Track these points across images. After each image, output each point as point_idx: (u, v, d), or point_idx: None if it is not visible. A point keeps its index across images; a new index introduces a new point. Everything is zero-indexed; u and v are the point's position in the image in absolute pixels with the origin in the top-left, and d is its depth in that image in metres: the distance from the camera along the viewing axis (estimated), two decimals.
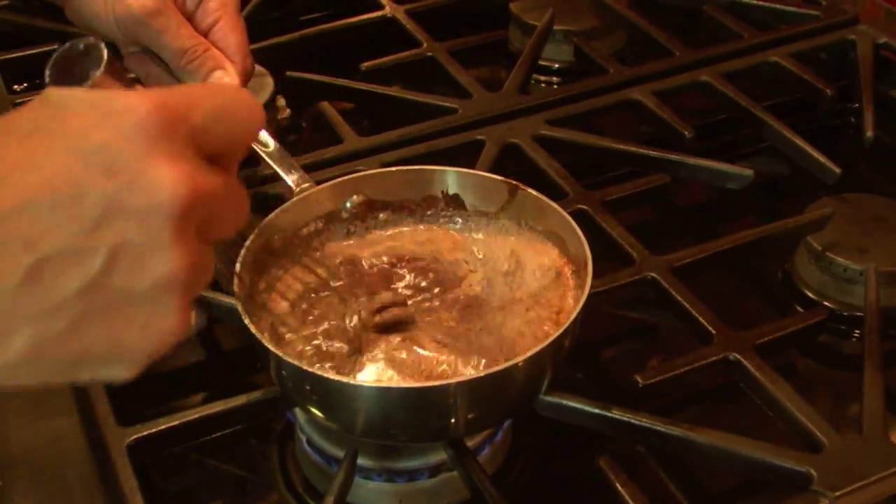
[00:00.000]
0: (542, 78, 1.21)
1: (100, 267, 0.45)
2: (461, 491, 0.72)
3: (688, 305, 0.80)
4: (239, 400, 0.73)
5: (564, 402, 0.72)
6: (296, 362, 0.65)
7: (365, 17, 1.23)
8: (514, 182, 0.79)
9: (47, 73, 0.52)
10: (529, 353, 0.65)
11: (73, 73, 0.51)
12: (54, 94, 0.47)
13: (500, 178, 0.80)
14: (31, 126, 0.46)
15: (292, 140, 1.07)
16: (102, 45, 0.51)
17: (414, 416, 0.66)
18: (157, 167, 0.45)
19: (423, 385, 0.65)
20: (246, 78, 0.83)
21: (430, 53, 1.16)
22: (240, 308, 0.67)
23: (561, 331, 0.66)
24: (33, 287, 0.44)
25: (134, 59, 0.87)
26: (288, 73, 1.09)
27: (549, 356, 0.67)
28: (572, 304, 0.72)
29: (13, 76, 1.17)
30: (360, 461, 0.71)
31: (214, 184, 0.48)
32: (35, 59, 1.17)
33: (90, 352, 0.47)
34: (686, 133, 1.00)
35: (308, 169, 0.82)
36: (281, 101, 1.07)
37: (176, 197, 0.45)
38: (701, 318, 0.79)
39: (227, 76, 0.79)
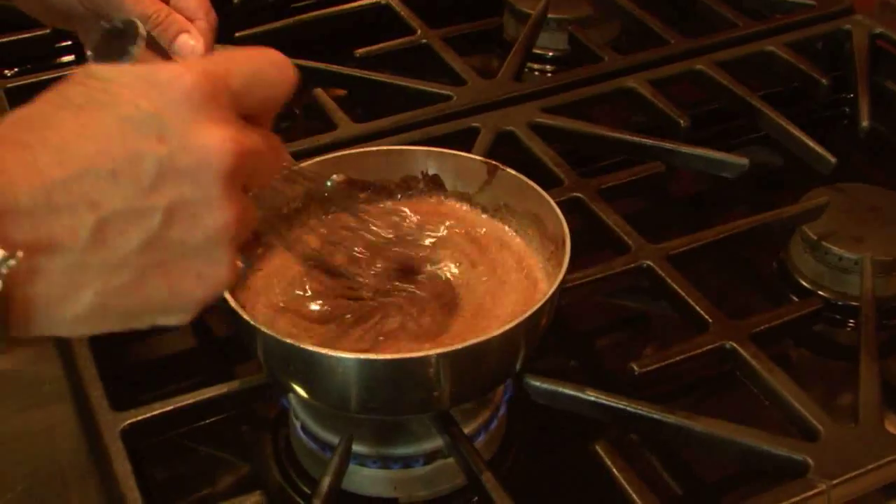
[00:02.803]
0: (536, 66, 1.21)
1: (158, 224, 0.49)
2: (457, 478, 0.72)
3: (683, 293, 0.80)
4: (232, 385, 0.73)
5: (560, 389, 0.72)
6: (276, 334, 0.64)
7: (359, 3, 1.23)
8: (493, 162, 0.78)
9: (89, 53, 0.55)
10: (505, 329, 0.64)
11: (113, 51, 0.53)
12: (101, 70, 0.51)
13: (479, 158, 0.80)
14: (83, 100, 0.49)
15: (285, 126, 1.06)
16: (139, 22, 0.53)
17: (395, 388, 0.65)
18: (204, 130, 0.49)
19: (404, 356, 0.64)
20: (212, 34, 0.82)
21: (424, 41, 1.15)
22: None
23: (536, 308, 0.65)
24: (98, 245, 0.48)
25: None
26: None
27: (523, 332, 0.66)
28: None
29: (4, 61, 1.16)
30: (356, 448, 0.71)
31: (255, 140, 0.52)
32: (25, 45, 1.17)
33: (150, 302, 0.51)
34: (681, 122, 1.00)
35: (302, 155, 0.81)
36: None
37: (223, 155, 0.50)
38: (696, 307, 0.79)
39: (193, 39, 0.79)
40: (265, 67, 0.55)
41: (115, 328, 0.52)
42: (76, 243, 0.47)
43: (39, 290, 0.47)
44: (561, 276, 0.68)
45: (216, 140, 0.50)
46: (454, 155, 0.80)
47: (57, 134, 0.48)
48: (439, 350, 0.64)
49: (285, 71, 0.55)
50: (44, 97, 0.50)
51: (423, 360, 0.64)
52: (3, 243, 0.46)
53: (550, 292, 0.67)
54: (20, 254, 0.46)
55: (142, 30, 0.53)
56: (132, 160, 0.48)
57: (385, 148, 0.82)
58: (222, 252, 0.51)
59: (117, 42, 0.54)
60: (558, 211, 0.73)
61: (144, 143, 0.48)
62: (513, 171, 0.77)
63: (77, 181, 0.47)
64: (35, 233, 0.46)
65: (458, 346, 0.63)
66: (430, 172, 0.80)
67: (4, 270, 0.46)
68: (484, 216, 0.79)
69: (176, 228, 0.49)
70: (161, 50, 0.53)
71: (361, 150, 0.82)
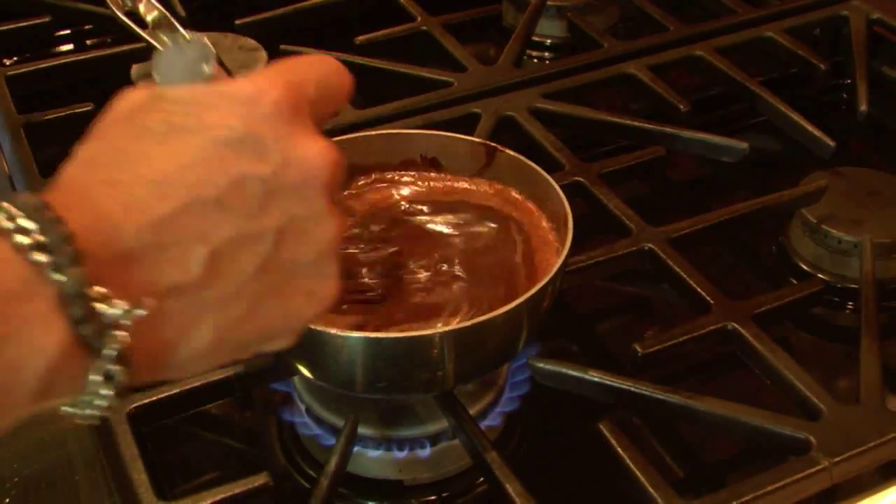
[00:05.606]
0: (535, 53, 1.21)
1: (270, 246, 0.47)
2: (462, 459, 0.73)
3: (685, 276, 0.81)
4: (237, 367, 0.73)
5: (564, 370, 0.73)
6: None
7: None
8: (493, 144, 0.79)
9: (155, 75, 0.53)
10: (507, 308, 0.64)
11: (181, 72, 0.51)
12: (174, 92, 0.48)
13: (478, 140, 0.81)
14: (164, 127, 0.46)
15: None
16: (206, 40, 0.52)
17: (401, 366, 0.66)
18: (302, 144, 0.48)
19: (409, 335, 0.65)
20: None
21: (424, 28, 1.15)
22: None
23: (539, 286, 0.66)
24: (213, 279, 0.45)
25: None
26: (282, 46, 1.08)
27: (526, 311, 0.66)
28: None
29: (4, 49, 1.16)
30: (361, 430, 0.71)
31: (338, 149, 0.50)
32: (25, 33, 1.17)
33: (264, 329, 0.49)
34: (681, 107, 1.01)
35: None
36: None
37: (325, 167, 0.48)
38: (698, 288, 0.80)
39: None
40: (329, 73, 0.53)
41: (226, 361, 0.49)
42: (190, 280, 0.45)
43: (160, 335, 0.45)
44: (565, 254, 0.68)
45: (315, 152, 0.48)
46: (454, 137, 0.81)
47: (149, 167, 0.45)
48: (443, 328, 0.64)
49: (345, 77, 0.53)
50: (111, 128, 0.47)
51: (427, 339, 0.64)
52: (124, 293, 0.42)
53: (554, 270, 0.67)
54: (151, 302, 0.43)
55: (211, 48, 0.52)
56: (236, 184, 0.45)
57: (385, 132, 0.82)
58: (330, 266, 0.50)
59: (181, 62, 0.52)
60: (559, 190, 0.73)
61: (246, 165, 0.46)
62: (512, 153, 0.78)
63: (183, 214, 0.44)
64: (149, 276, 0.44)
65: (462, 325, 0.64)
66: (429, 155, 0.80)
67: (129, 322, 0.42)
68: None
69: (287, 248, 0.47)
70: (224, 68, 0.52)
71: (360, 134, 0.82)
